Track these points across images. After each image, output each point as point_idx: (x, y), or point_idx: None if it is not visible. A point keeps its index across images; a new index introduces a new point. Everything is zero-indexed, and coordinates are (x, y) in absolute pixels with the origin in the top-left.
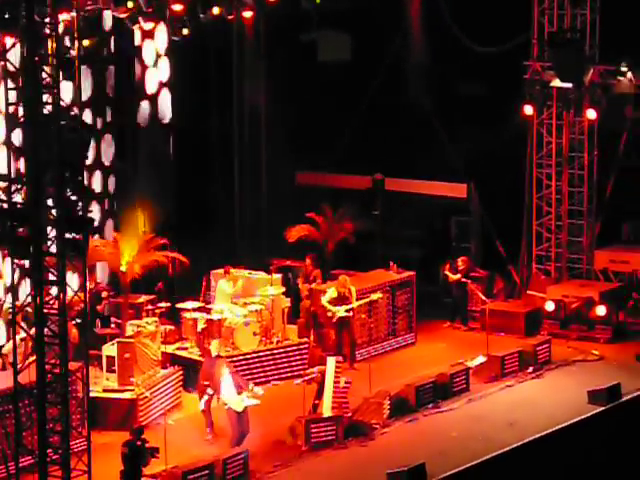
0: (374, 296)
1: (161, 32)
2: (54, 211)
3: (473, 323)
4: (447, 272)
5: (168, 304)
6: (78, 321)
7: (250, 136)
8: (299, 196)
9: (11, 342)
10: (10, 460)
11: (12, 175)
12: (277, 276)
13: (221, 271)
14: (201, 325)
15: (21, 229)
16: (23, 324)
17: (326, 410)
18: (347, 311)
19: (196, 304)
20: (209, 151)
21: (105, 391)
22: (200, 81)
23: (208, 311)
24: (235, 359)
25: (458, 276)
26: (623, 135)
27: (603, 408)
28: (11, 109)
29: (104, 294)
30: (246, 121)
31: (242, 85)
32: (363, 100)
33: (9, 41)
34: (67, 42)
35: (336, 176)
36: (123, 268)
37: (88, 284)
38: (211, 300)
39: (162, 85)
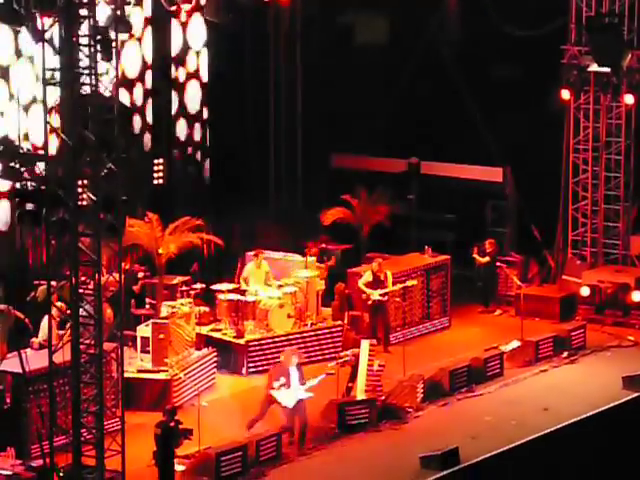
0: (409, 282)
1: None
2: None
3: (507, 307)
4: (475, 255)
5: (202, 285)
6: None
7: (286, 119)
8: (335, 179)
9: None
10: (44, 439)
11: (48, 156)
12: (311, 259)
13: (251, 253)
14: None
15: (57, 210)
16: (58, 304)
17: (359, 393)
18: (382, 295)
19: (230, 286)
20: (245, 134)
21: (139, 372)
22: (236, 66)
23: (242, 293)
24: (269, 341)
25: (487, 259)
26: None
27: (638, 394)
28: (49, 89)
29: (140, 274)
30: (283, 104)
31: (278, 68)
32: (399, 83)
33: (47, 21)
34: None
35: (372, 159)
36: (161, 250)
37: (123, 264)
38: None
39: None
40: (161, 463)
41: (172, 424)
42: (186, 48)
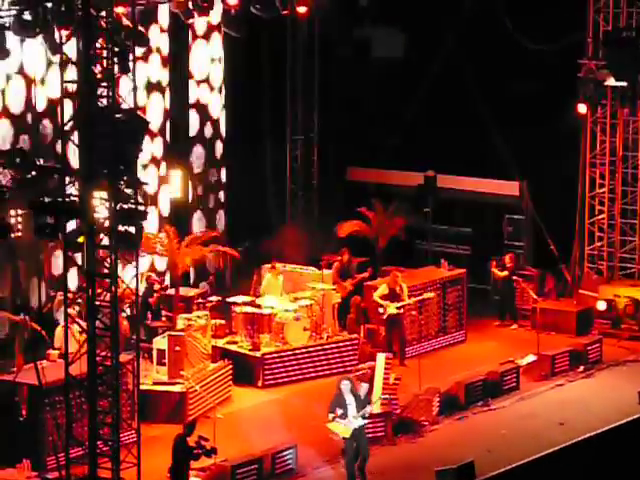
0: (426, 295)
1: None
2: (107, 204)
3: (524, 321)
4: (494, 269)
5: (219, 298)
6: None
7: (303, 131)
8: (351, 192)
9: (61, 332)
10: (60, 451)
11: (66, 168)
12: (327, 271)
13: (268, 265)
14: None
15: (74, 222)
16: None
17: (375, 406)
18: (398, 308)
19: (246, 298)
20: (262, 147)
21: (155, 384)
22: (253, 79)
23: (258, 306)
24: (284, 354)
25: (505, 273)
26: None
27: None
28: (67, 102)
29: (156, 286)
30: (299, 116)
31: (295, 81)
32: (416, 97)
33: (65, 34)
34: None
35: (388, 172)
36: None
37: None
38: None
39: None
40: (176, 476)
41: (195, 442)
42: (204, 62)
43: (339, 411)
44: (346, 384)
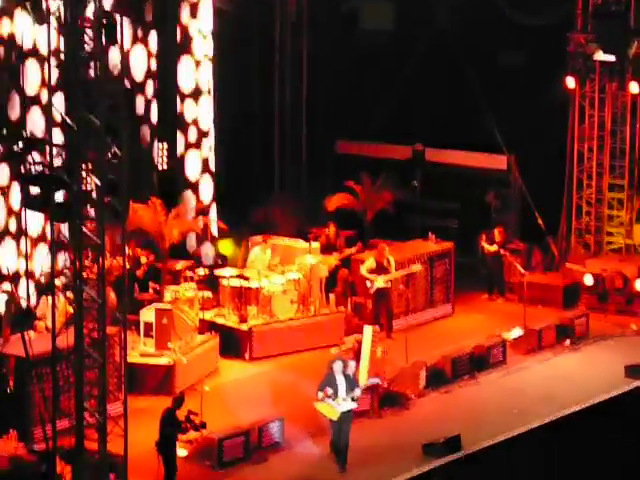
0: (414, 268)
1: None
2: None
3: (511, 295)
4: (483, 243)
5: (206, 271)
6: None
7: (291, 105)
8: (339, 165)
9: (43, 304)
10: (47, 423)
11: (53, 139)
12: (315, 244)
13: (259, 238)
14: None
15: (61, 194)
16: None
17: (362, 379)
18: (386, 281)
19: (234, 271)
20: (250, 120)
21: (142, 356)
22: (242, 52)
23: (246, 278)
24: (272, 327)
25: (495, 247)
26: None
27: None
28: (54, 73)
29: (143, 259)
30: (288, 90)
31: (284, 54)
32: (404, 70)
33: (53, 4)
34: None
35: (376, 145)
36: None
37: (127, 249)
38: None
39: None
40: (163, 448)
41: (185, 416)
42: (193, 33)
43: (329, 390)
44: (338, 364)
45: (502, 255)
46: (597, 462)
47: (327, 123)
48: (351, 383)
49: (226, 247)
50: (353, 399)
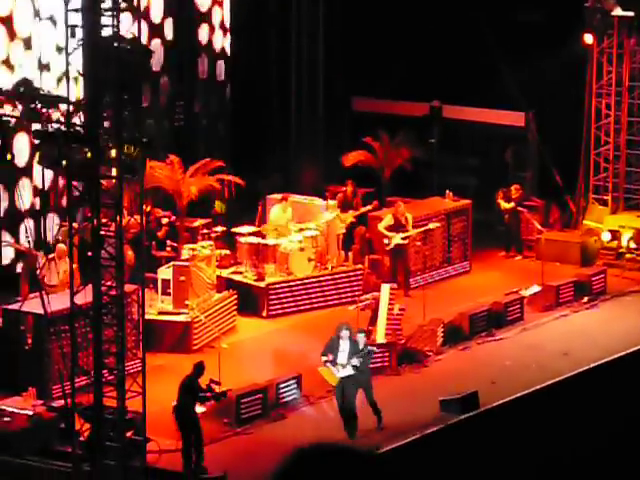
0: (431, 225)
1: None
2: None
3: (528, 252)
4: (500, 200)
5: (224, 228)
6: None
7: (308, 62)
8: (356, 122)
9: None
10: (66, 380)
11: (71, 97)
12: (332, 202)
13: (277, 196)
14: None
15: (80, 151)
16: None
17: (380, 337)
18: (403, 238)
19: (251, 229)
20: (267, 75)
21: (160, 314)
22: (259, 9)
23: (263, 236)
24: (289, 284)
25: (512, 204)
26: None
27: None
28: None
29: (164, 220)
30: (304, 45)
31: (300, 11)
32: (423, 26)
33: None
34: None
35: (393, 102)
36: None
37: (145, 207)
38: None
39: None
40: (180, 415)
41: (206, 384)
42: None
43: (331, 356)
44: (345, 332)
45: (519, 212)
46: (615, 418)
47: (344, 80)
48: (355, 350)
49: (221, 206)
50: (354, 367)
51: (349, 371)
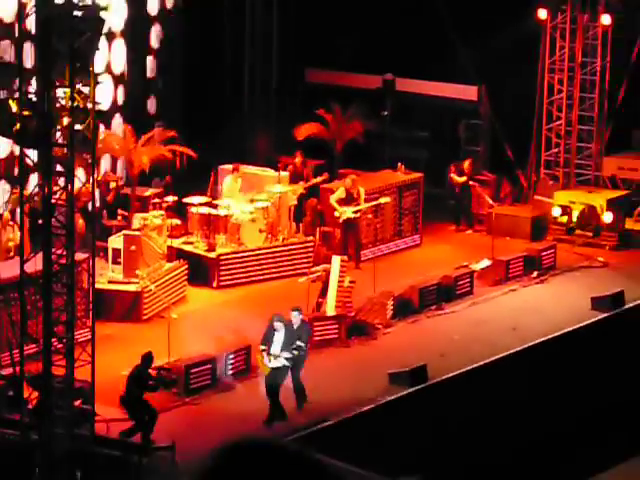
0: (382, 200)
1: None
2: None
3: (479, 226)
4: (452, 175)
5: (175, 198)
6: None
7: (262, 32)
8: (308, 94)
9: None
10: (15, 348)
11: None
12: (284, 173)
13: (229, 167)
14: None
15: (31, 119)
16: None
17: (330, 309)
18: (355, 212)
19: (203, 199)
20: (220, 47)
21: (110, 283)
22: None
23: (214, 206)
24: (240, 255)
25: (464, 178)
26: (637, 41)
27: (606, 315)
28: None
29: (112, 184)
30: (258, 17)
31: None
32: None
33: None
34: None
35: (346, 75)
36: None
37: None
38: (218, 196)
39: None
40: (129, 404)
41: (156, 372)
42: None
43: (266, 346)
44: (277, 323)
45: (471, 186)
46: (562, 392)
47: (297, 51)
48: (292, 338)
49: None
50: (291, 352)
51: (280, 362)
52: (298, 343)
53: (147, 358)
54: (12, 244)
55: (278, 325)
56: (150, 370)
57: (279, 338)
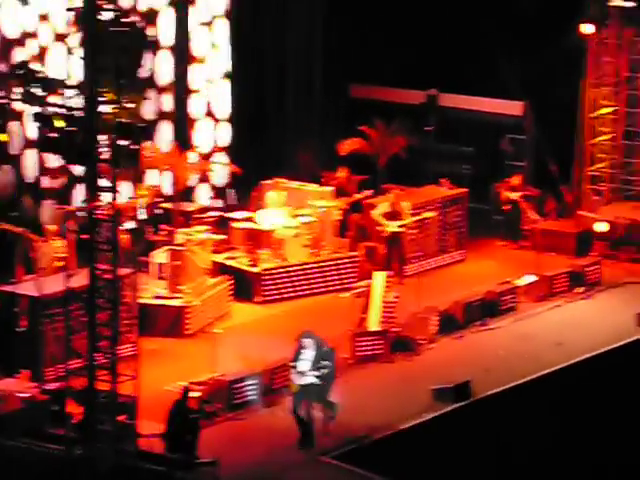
0: (427, 214)
1: None
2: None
3: (524, 242)
4: (504, 190)
5: (219, 213)
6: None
7: (305, 47)
8: (352, 109)
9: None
10: (59, 363)
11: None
12: (328, 188)
13: (271, 182)
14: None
15: (76, 135)
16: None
17: (373, 324)
18: (399, 227)
19: (246, 214)
20: (263, 60)
21: (154, 298)
22: None
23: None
24: (283, 270)
25: (518, 194)
26: None
27: None
28: (70, 15)
29: (146, 199)
30: (302, 32)
31: None
32: (421, 14)
33: None
34: None
35: (390, 90)
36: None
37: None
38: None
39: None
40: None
41: (198, 404)
42: None
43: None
44: (307, 340)
45: (518, 202)
46: (608, 409)
47: (341, 66)
48: (321, 355)
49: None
50: (317, 375)
51: (310, 380)
52: (323, 363)
53: (185, 392)
54: (58, 258)
55: (307, 342)
56: (190, 401)
57: (307, 356)
